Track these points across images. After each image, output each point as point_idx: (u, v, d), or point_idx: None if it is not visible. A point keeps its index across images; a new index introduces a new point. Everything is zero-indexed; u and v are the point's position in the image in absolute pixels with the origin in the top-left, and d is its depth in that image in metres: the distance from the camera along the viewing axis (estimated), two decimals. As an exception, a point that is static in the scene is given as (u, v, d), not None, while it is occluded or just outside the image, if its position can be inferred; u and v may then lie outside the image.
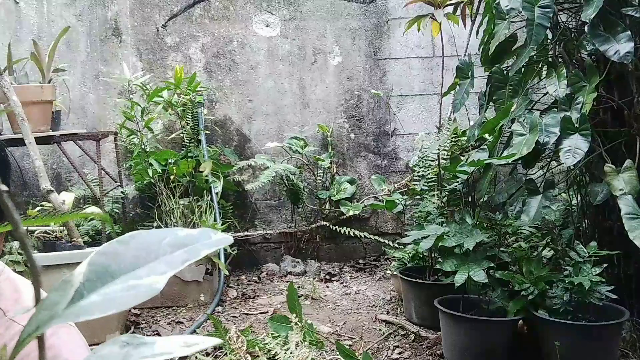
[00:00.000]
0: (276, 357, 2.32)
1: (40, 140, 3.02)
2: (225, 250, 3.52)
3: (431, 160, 3.35)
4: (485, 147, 2.59)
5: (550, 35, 2.62)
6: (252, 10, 4.19)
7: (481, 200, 2.65)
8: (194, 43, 4.18)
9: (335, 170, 4.26)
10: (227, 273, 3.58)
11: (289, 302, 2.58)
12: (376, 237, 3.89)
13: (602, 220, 2.63)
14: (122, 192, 3.80)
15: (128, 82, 3.66)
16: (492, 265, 2.49)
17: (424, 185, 3.31)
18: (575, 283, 2.29)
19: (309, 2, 4.21)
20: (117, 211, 3.75)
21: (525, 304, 2.40)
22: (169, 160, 3.66)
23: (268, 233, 4.18)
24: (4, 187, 0.34)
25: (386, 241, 3.72)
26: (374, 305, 3.34)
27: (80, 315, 0.35)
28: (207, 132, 4.02)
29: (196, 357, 2.48)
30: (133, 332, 2.90)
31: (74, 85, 4.02)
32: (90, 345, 0.97)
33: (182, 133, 3.84)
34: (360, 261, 4.26)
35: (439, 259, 2.79)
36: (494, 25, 2.55)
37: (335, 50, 4.25)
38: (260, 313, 3.23)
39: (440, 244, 2.62)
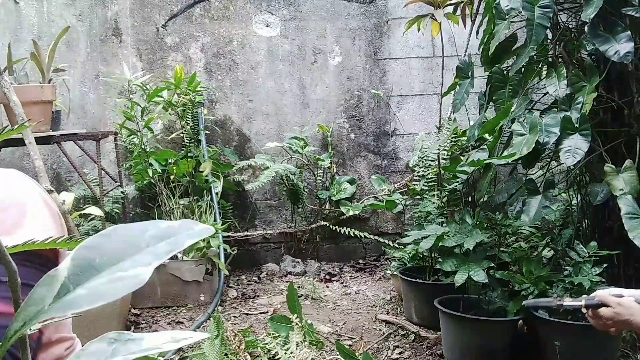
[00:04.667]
0: (276, 357, 2.32)
1: (40, 140, 3.02)
2: (225, 250, 3.52)
3: (431, 160, 3.35)
4: (485, 147, 2.59)
5: (550, 35, 2.62)
6: (252, 10, 4.19)
7: (481, 200, 2.65)
8: (194, 43, 4.18)
9: (335, 170, 4.26)
10: (227, 273, 3.58)
11: (289, 302, 2.58)
12: (376, 237, 3.89)
13: (602, 220, 2.63)
14: (122, 192, 3.79)
15: (128, 82, 3.66)
16: (492, 265, 2.49)
17: (424, 185, 3.31)
18: (575, 283, 2.29)
19: (309, 2, 4.21)
20: (117, 211, 3.75)
21: (525, 304, 2.40)
22: (169, 160, 3.66)
23: (268, 233, 4.18)
24: None
25: (386, 241, 3.72)
26: (374, 305, 3.34)
27: (67, 309, 0.36)
28: (207, 132, 4.02)
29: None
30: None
31: (74, 85, 4.02)
32: None
33: (182, 133, 3.84)
34: (360, 261, 4.26)
35: (439, 259, 2.79)
36: (494, 25, 2.55)
37: (335, 50, 4.25)
38: (260, 313, 3.23)
39: (440, 244, 2.62)
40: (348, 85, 4.28)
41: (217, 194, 3.78)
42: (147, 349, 0.38)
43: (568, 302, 1.61)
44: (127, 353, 0.37)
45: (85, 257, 0.38)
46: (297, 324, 2.43)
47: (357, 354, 2.29)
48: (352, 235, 3.86)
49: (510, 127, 2.45)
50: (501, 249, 2.70)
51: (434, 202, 3.16)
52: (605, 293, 1.55)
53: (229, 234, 3.86)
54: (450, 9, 3.34)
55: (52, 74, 3.34)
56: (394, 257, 3.43)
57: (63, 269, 0.37)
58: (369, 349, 2.66)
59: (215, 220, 3.61)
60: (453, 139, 3.27)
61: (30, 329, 0.37)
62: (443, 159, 3.22)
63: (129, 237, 0.39)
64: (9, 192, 0.89)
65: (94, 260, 0.38)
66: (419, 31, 3.43)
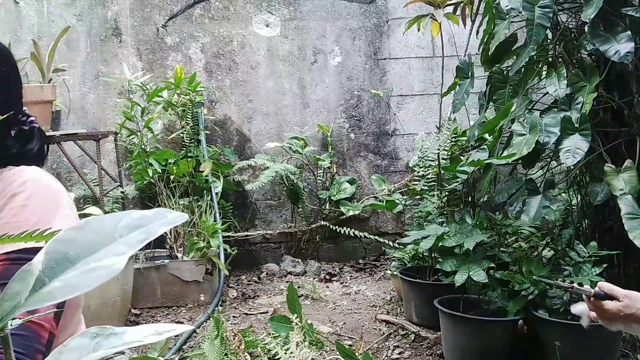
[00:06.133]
0: (276, 357, 2.32)
1: (40, 140, 3.02)
2: (225, 250, 3.52)
3: (431, 160, 3.35)
4: (485, 147, 2.59)
5: (550, 35, 2.62)
6: (252, 10, 4.19)
7: (481, 200, 2.65)
8: (194, 43, 4.18)
9: (335, 170, 4.26)
10: (227, 273, 3.58)
11: (289, 302, 2.58)
12: (376, 237, 3.88)
13: (602, 220, 2.63)
14: (122, 192, 3.79)
15: (128, 82, 3.66)
16: (492, 265, 2.49)
17: (424, 185, 3.31)
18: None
19: (309, 2, 4.22)
20: (117, 211, 3.75)
21: (525, 304, 2.40)
22: (169, 160, 3.66)
23: (268, 233, 4.18)
24: None
25: (386, 241, 3.72)
26: (374, 305, 3.34)
27: (44, 302, 0.36)
28: (207, 132, 4.02)
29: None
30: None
31: (74, 85, 4.02)
32: None
33: (182, 133, 3.84)
34: (360, 261, 4.26)
35: (439, 259, 2.79)
36: (494, 25, 2.55)
37: (335, 50, 4.25)
38: (260, 313, 3.23)
39: (440, 244, 2.62)
40: (348, 85, 4.28)
41: (217, 194, 3.78)
42: (130, 342, 0.38)
43: (578, 287, 1.60)
44: (109, 347, 0.38)
45: (59, 250, 0.38)
46: (297, 324, 2.43)
47: (357, 354, 2.29)
48: (352, 235, 3.86)
49: (510, 127, 2.45)
50: (501, 249, 2.70)
51: (434, 202, 3.16)
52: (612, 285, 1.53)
53: (229, 234, 3.86)
54: (450, 9, 3.34)
55: (52, 74, 3.34)
56: (394, 257, 3.43)
57: (37, 262, 0.38)
58: (369, 349, 2.66)
59: (215, 220, 3.61)
60: (453, 139, 3.27)
61: (10, 324, 0.38)
62: (443, 159, 3.22)
63: (102, 229, 0.39)
64: (44, 181, 0.94)
65: (68, 252, 0.38)
66: (419, 31, 3.43)
